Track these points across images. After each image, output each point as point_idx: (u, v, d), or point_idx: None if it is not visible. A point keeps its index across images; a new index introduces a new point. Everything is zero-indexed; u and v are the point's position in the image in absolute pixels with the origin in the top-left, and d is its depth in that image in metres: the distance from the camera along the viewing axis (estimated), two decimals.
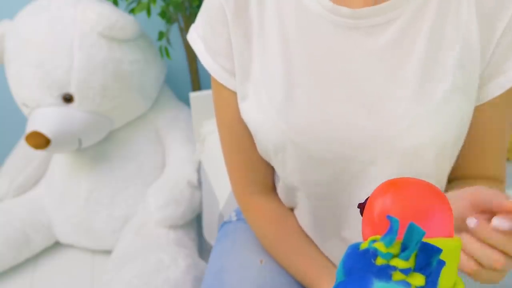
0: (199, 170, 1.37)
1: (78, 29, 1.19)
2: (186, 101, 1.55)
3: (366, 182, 0.57)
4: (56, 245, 1.42)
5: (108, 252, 1.36)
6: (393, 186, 0.42)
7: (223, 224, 0.82)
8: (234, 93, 0.63)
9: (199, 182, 1.35)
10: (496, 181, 0.63)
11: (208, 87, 1.63)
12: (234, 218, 0.80)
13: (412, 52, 0.54)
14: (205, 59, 0.63)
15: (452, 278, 0.39)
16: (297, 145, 0.57)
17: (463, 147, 0.60)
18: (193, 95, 1.31)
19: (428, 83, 0.53)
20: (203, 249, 1.34)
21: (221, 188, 1.14)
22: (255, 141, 0.64)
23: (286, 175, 0.62)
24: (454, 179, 0.64)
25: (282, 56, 0.57)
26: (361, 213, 0.44)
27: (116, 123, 1.34)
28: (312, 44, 0.57)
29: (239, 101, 0.62)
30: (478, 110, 0.58)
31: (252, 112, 0.60)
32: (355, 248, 0.39)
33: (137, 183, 1.35)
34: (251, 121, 0.61)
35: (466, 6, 0.53)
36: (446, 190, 0.66)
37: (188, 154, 1.39)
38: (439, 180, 0.59)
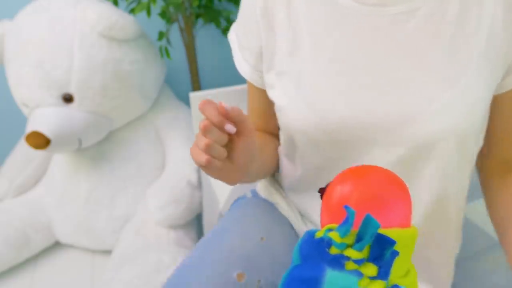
0: (199, 170, 1.37)
1: (78, 29, 1.19)
2: (186, 101, 1.55)
3: (387, 165, 0.59)
4: (56, 245, 1.43)
5: (108, 252, 1.36)
6: (353, 174, 0.42)
7: (238, 199, 0.82)
8: (256, 87, 0.69)
9: (199, 182, 1.35)
10: None
11: (208, 87, 1.63)
12: (249, 195, 0.81)
13: (437, 39, 0.56)
14: (236, 55, 0.70)
15: (405, 266, 0.40)
16: (322, 130, 0.59)
17: (487, 134, 0.63)
18: (193, 95, 1.31)
19: (453, 70, 0.55)
20: None
21: (221, 188, 1.14)
22: (279, 123, 0.69)
23: (304, 155, 0.65)
24: (485, 164, 0.68)
25: (310, 49, 0.60)
26: (321, 197, 0.44)
27: (116, 123, 1.34)
28: (339, 35, 0.59)
29: (267, 89, 0.67)
30: (502, 98, 0.60)
31: (279, 100, 0.64)
32: (311, 235, 0.40)
33: (137, 183, 1.35)
34: (277, 107, 0.65)
35: None
36: (487, 197, 0.69)
37: (188, 154, 1.39)
38: (461, 168, 0.61)
